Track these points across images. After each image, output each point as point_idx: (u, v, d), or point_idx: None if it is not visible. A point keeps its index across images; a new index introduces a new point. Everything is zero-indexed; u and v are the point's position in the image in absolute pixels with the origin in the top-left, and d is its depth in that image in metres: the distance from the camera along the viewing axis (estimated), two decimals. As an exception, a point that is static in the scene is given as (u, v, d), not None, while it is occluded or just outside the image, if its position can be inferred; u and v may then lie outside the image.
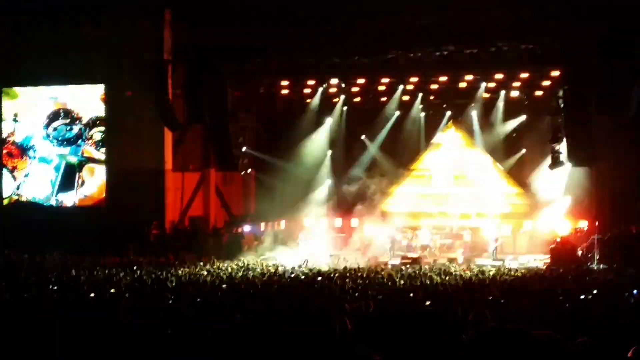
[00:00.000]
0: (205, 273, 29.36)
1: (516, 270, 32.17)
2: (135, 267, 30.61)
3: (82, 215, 42.26)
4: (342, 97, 45.45)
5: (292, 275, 28.78)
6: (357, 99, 45.87)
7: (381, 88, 44.28)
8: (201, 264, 34.81)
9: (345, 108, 45.65)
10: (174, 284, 24.49)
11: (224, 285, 23.91)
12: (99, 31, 41.54)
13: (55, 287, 22.32)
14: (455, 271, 31.09)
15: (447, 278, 27.36)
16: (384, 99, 45.08)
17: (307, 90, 45.72)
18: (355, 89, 44.74)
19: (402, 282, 25.76)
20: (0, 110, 44.39)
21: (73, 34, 41.77)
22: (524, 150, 44.30)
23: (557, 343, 4.12)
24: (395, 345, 7.83)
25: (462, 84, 43.00)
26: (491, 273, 30.25)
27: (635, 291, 17.70)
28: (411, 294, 20.62)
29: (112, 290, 21.01)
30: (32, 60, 42.63)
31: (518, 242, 40.90)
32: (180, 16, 42.10)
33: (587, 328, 9.80)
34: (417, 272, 30.42)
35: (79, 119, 43.45)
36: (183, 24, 42.62)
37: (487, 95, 43.53)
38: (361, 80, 44.02)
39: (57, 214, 42.81)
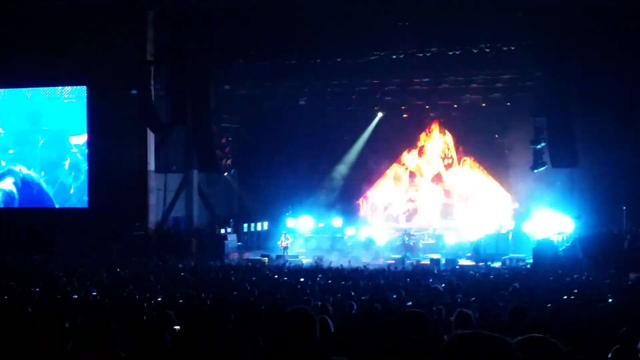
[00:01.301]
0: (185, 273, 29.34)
1: (498, 271, 32.27)
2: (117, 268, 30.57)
3: (65, 217, 42.11)
4: (327, 97, 45.39)
5: (276, 277, 28.78)
6: (340, 100, 45.86)
7: (363, 89, 44.32)
8: (179, 263, 34.86)
9: (329, 108, 45.63)
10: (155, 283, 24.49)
11: (205, 294, 23.87)
12: (82, 32, 41.42)
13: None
14: (437, 272, 31.18)
15: (430, 279, 27.45)
16: (366, 100, 45.08)
17: (290, 92, 45.69)
18: (338, 90, 44.76)
19: (384, 282, 25.83)
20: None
21: (55, 35, 41.63)
22: (506, 152, 44.42)
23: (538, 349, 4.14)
24: (375, 347, 7.87)
25: (445, 86, 43.11)
26: (474, 273, 30.34)
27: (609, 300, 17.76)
28: (394, 295, 20.67)
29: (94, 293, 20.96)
30: (13, 61, 42.45)
31: (500, 243, 41.00)
32: (163, 17, 42.06)
33: (569, 329, 9.86)
34: (400, 272, 30.52)
35: None
36: (166, 24, 42.60)
37: (469, 96, 43.61)
38: (344, 82, 44.04)
39: (40, 217, 42.63)
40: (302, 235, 43.52)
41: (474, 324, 9.86)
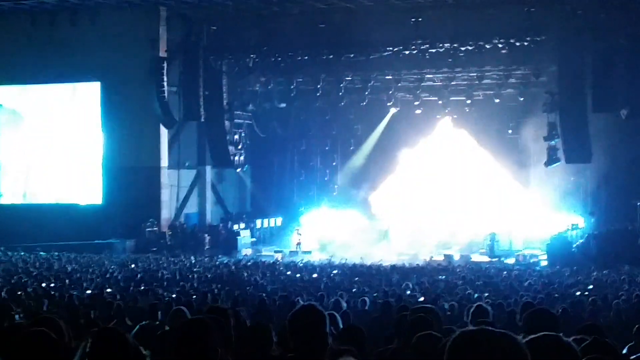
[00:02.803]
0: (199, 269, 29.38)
1: (513, 267, 32.20)
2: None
3: (78, 212, 42.20)
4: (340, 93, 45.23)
5: (289, 273, 28.79)
6: (353, 96, 45.73)
7: (377, 85, 44.19)
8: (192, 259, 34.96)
9: (342, 104, 45.52)
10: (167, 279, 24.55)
11: (218, 285, 23.91)
12: (95, 29, 41.50)
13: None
14: (451, 267, 31.15)
15: (443, 275, 27.40)
16: (379, 96, 44.95)
17: (303, 87, 45.62)
18: (350, 86, 44.67)
19: (397, 278, 25.80)
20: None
21: (69, 32, 41.72)
22: (519, 147, 44.23)
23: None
24: (388, 342, 7.86)
25: (458, 81, 42.97)
26: (488, 269, 30.29)
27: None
28: (407, 292, 20.66)
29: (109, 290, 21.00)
30: (28, 57, 42.57)
31: (514, 239, 40.87)
32: (175, 13, 42.11)
33: (583, 326, 9.81)
34: (414, 268, 30.51)
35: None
36: (179, 21, 42.64)
37: (483, 92, 43.47)
38: (357, 77, 43.94)
39: (54, 212, 42.73)
40: (315, 230, 43.44)
41: (490, 320, 9.81)
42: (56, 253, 35.40)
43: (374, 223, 43.24)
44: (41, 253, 35.06)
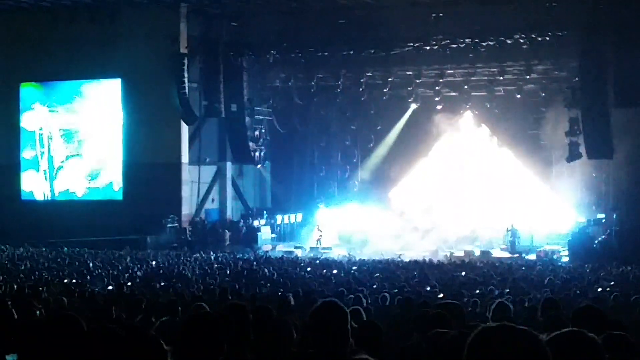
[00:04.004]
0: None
1: (534, 263, 32.07)
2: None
3: (99, 208, 42.38)
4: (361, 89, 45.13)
5: (309, 269, 28.79)
6: (374, 92, 45.64)
7: (397, 80, 44.09)
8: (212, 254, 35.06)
9: (363, 100, 45.43)
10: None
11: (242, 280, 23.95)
12: (116, 26, 41.62)
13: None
14: (471, 263, 31.06)
15: (464, 271, 27.32)
16: (400, 91, 44.85)
17: (323, 83, 45.61)
18: (371, 82, 44.59)
19: (417, 274, 25.75)
20: (19, 104, 44.63)
21: (90, 28, 41.86)
22: (540, 143, 44.02)
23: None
24: (408, 339, 7.83)
25: (479, 77, 42.84)
26: (508, 265, 30.20)
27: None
28: (428, 287, 20.63)
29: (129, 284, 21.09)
30: (49, 55, 42.78)
31: (536, 234, 40.71)
32: (196, 10, 42.17)
33: (604, 322, 9.73)
34: (434, 264, 30.45)
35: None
36: (199, 17, 42.70)
37: (504, 87, 43.29)
38: (377, 73, 43.88)
39: (74, 207, 42.95)
40: (335, 226, 43.41)
41: (512, 316, 9.77)
42: (77, 249, 35.56)
43: (394, 219, 43.16)
44: (64, 249, 35.23)
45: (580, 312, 7.02)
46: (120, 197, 43.05)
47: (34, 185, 44.76)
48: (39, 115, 44.60)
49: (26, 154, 44.72)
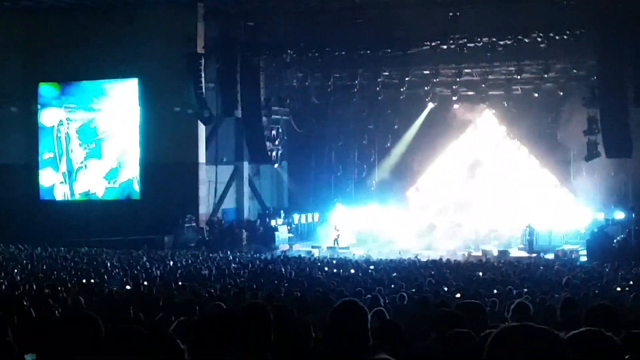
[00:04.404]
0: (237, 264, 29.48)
1: (554, 263, 31.92)
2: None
3: (117, 208, 42.54)
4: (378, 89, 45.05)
5: (326, 269, 28.77)
6: (391, 91, 45.59)
7: (414, 79, 44.02)
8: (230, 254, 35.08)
9: (380, 99, 45.36)
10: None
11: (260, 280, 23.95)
12: (133, 26, 41.71)
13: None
14: (489, 263, 30.96)
15: (482, 270, 27.22)
16: (417, 91, 44.79)
17: (340, 83, 45.59)
18: (388, 81, 44.55)
19: (435, 273, 25.69)
20: (37, 104, 44.84)
21: (108, 29, 42.00)
22: (558, 142, 43.83)
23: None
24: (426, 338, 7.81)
25: (497, 76, 42.74)
26: (526, 265, 30.07)
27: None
28: (445, 287, 20.56)
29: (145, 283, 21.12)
30: (67, 55, 42.96)
31: (554, 234, 40.54)
32: (213, 10, 42.22)
33: (623, 321, 9.68)
34: (452, 263, 30.38)
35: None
36: (216, 17, 42.75)
37: (521, 86, 43.17)
38: (394, 73, 43.83)
39: (92, 207, 43.14)
40: (353, 226, 43.37)
41: (532, 316, 9.71)
42: (95, 249, 35.68)
43: (411, 218, 43.09)
44: (82, 249, 35.35)
45: (593, 311, 6.98)
46: (137, 196, 43.19)
47: (53, 185, 44.90)
48: (57, 114, 44.76)
49: (45, 155, 44.89)
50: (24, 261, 29.82)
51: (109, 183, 43.95)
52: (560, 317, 10.50)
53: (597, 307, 7.15)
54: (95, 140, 44.16)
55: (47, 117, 44.87)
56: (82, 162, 44.39)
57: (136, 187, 43.33)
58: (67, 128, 44.63)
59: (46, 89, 45.11)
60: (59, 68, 43.52)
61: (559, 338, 3.33)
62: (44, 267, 27.59)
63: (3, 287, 18.37)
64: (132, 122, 43.35)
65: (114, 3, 41.46)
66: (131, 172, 43.41)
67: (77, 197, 44.51)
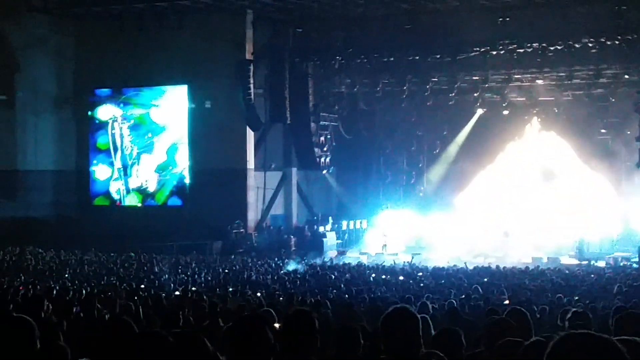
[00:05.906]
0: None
1: (604, 271, 31.52)
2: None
3: (166, 214, 42.89)
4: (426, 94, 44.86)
5: (374, 275, 28.73)
6: (439, 97, 45.38)
7: (463, 85, 43.78)
8: (281, 261, 35.13)
9: (429, 105, 45.16)
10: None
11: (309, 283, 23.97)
12: (182, 33, 42.09)
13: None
14: (540, 270, 30.66)
15: (532, 278, 26.99)
16: (466, 97, 44.53)
17: (388, 89, 45.46)
18: (437, 87, 44.35)
19: (485, 280, 25.51)
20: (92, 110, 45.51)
21: (157, 35, 42.39)
22: (610, 148, 43.33)
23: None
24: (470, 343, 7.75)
25: (547, 82, 42.36)
26: (577, 272, 29.74)
27: None
28: (495, 294, 20.41)
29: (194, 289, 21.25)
30: (118, 62, 43.44)
31: (605, 241, 40.07)
32: (262, 16, 42.42)
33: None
34: (501, 271, 30.15)
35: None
36: (265, 24, 42.94)
37: (572, 92, 42.74)
38: (443, 79, 43.61)
39: (141, 213, 43.54)
40: (401, 232, 43.20)
41: (589, 325, 9.60)
42: (145, 254, 35.96)
43: (460, 225, 42.79)
44: (132, 254, 35.65)
45: (621, 319, 6.90)
46: (186, 202, 43.49)
47: (108, 179, 45.43)
48: (111, 111, 45.38)
49: (100, 151, 45.53)
50: (75, 267, 30.15)
51: (160, 176, 44.37)
52: (612, 326, 10.36)
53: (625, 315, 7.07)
54: (147, 143, 44.62)
55: (103, 113, 45.48)
56: (135, 158, 44.89)
57: (187, 178, 43.61)
58: (121, 126, 45.16)
59: (100, 94, 45.76)
60: (110, 74, 44.04)
61: (620, 348, 3.29)
62: (94, 272, 27.88)
63: (54, 292, 18.56)
64: (181, 127, 43.74)
65: (164, 10, 41.80)
66: (182, 165, 43.81)
67: (131, 192, 45.01)
